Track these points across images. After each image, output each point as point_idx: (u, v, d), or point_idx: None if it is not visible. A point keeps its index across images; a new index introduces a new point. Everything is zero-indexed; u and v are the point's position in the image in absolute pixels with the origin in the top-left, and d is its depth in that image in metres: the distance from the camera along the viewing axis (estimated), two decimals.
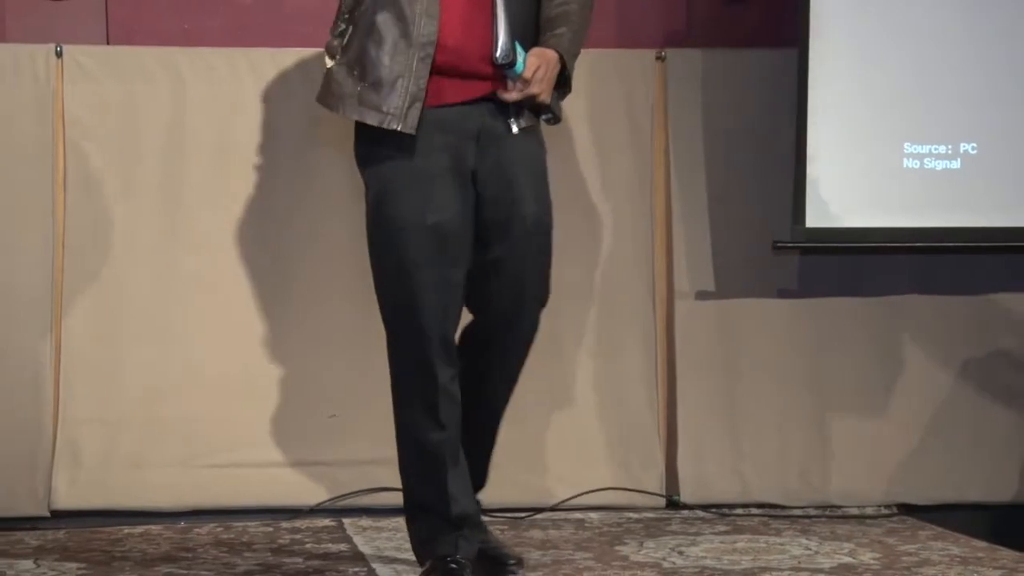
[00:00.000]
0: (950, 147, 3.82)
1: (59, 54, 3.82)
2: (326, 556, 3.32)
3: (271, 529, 3.50)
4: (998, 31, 3.84)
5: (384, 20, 2.93)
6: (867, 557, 3.31)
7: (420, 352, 2.99)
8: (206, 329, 3.87)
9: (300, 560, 3.23)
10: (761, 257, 3.96)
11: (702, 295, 3.99)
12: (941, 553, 3.36)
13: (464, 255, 3.03)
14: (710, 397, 4.01)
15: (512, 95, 2.98)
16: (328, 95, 3.02)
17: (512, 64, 2.94)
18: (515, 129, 3.04)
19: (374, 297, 3.13)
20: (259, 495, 3.57)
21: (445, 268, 3.00)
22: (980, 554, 3.36)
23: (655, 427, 3.99)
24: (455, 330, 3.06)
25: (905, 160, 3.81)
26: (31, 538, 3.53)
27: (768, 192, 3.95)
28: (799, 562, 3.25)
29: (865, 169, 3.82)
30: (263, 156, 3.75)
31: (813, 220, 3.77)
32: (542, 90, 3.00)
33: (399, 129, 2.91)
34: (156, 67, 3.86)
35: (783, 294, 4.02)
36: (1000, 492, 3.99)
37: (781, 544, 3.47)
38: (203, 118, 3.85)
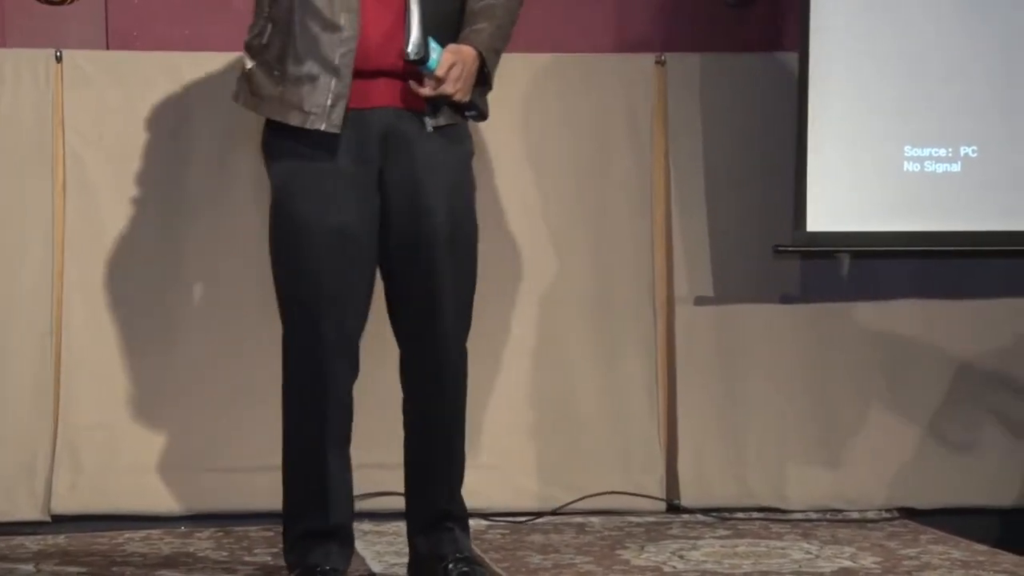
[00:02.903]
0: (950, 150, 3.84)
1: (59, 59, 3.83)
2: None
3: (272, 534, 3.42)
4: (999, 34, 3.85)
5: (304, 17, 2.88)
6: (868, 561, 3.32)
7: (314, 357, 2.96)
8: (206, 333, 3.87)
9: None
10: (762, 262, 3.98)
11: (701, 300, 4.01)
12: (942, 557, 3.38)
13: (367, 260, 2.99)
14: (710, 401, 4.03)
15: (425, 90, 2.91)
16: (248, 96, 2.97)
17: (424, 61, 2.87)
18: (429, 127, 2.96)
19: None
20: (260, 499, 3.54)
21: (346, 271, 2.96)
22: (981, 558, 3.37)
23: (655, 431, 4.01)
24: (358, 336, 3.03)
25: (905, 163, 3.83)
26: (31, 543, 3.54)
27: (768, 197, 3.97)
28: (800, 566, 3.26)
29: (866, 172, 3.84)
30: None
31: (814, 224, 3.79)
32: (457, 89, 2.92)
33: (323, 128, 2.86)
34: (156, 72, 3.86)
35: (784, 299, 4.04)
36: (1001, 496, 4.01)
37: (782, 548, 3.48)
38: (204, 123, 3.85)
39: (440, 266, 3.01)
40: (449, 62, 2.88)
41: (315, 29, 2.88)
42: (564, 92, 4.01)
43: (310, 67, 2.88)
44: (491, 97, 3.68)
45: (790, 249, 3.85)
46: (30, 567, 3.26)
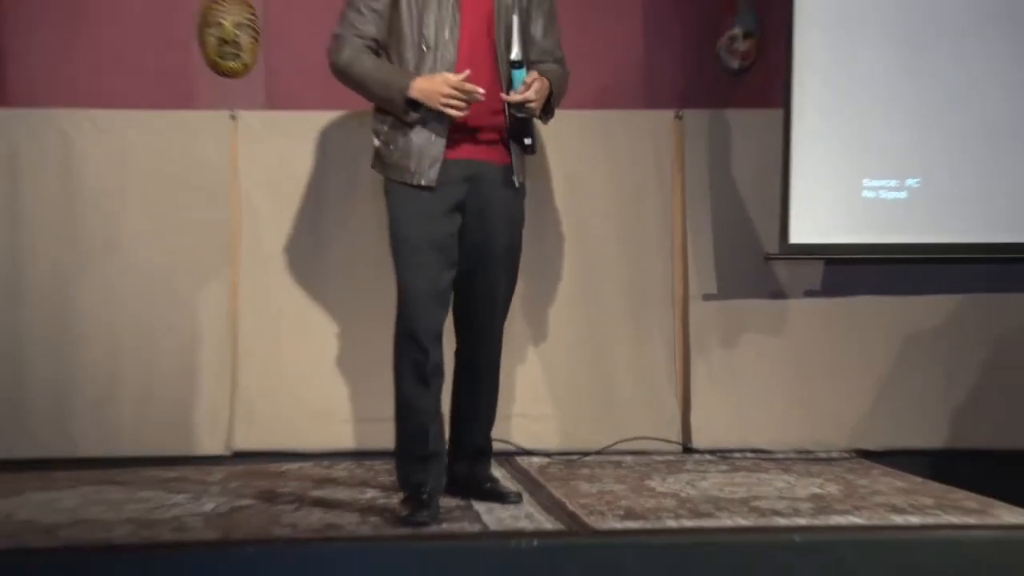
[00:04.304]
0: (898, 182, 3.89)
1: (234, 118, 4.00)
2: None
3: (389, 466, 3.47)
4: (944, 95, 3.89)
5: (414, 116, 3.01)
6: (832, 489, 3.46)
7: (415, 332, 3.03)
8: (344, 323, 4.01)
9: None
10: (757, 269, 4.10)
11: (708, 297, 4.13)
12: (888, 486, 3.50)
13: (451, 262, 3.08)
14: (715, 371, 4.13)
15: (515, 97, 2.99)
16: (379, 165, 3.12)
17: (522, 65, 2.98)
18: (517, 183, 3.12)
19: None
20: (381, 441, 3.54)
21: (437, 272, 3.05)
22: (917, 487, 3.50)
23: (674, 393, 4.14)
24: (443, 320, 3.10)
25: (864, 192, 3.90)
26: (217, 471, 3.75)
27: (760, 219, 4.08)
28: (781, 492, 3.39)
29: (834, 199, 3.89)
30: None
31: (796, 238, 3.88)
32: (536, 99, 3.01)
33: (423, 184, 3.01)
34: (307, 127, 3.98)
35: (773, 296, 4.16)
36: (934, 440, 4.14)
37: (768, 479, 3.60)
38: (338, 166, 3.97)
39: (497, 279, 3.18)
40: (534, 76, 3.03)
41: (424, 123, 3.04)
42: (607, 139, 4.11)
43: (416, 143, 3.05)
44: (553, 146, 4.04)
45: (777, 257, 3.97)
46: (217, 487, 3.48)
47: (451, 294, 3.14)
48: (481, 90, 2.99)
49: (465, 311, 3.22)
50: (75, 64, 4.04)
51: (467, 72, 2.98)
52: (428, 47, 3.03)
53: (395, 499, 3.20)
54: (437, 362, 3.10)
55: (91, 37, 4.04)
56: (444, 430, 3.17)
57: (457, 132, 3.05)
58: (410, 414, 3.11)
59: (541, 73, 3.10)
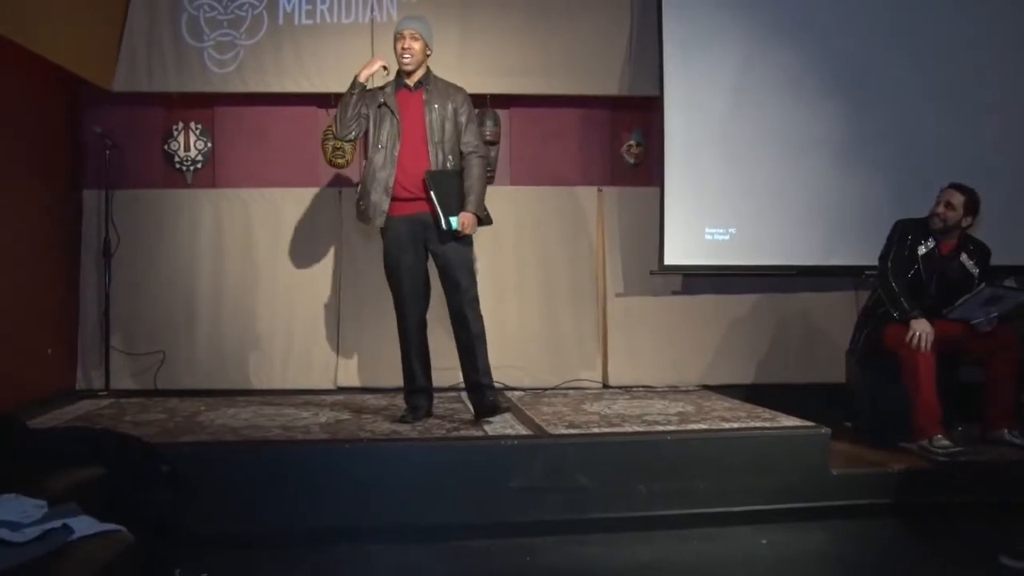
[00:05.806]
0: (724, 230, 3.96)
1: (340, 194, 3.96)
2: (453, 412, 3.28)
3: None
4: (749, 179, 3.88)
5: (370, 183, 2.95)
6: (689, 408, 3.44)
7: (407, 319, 3.03)
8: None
9: (451, 419, 3.17)
10: (644, 279, 4.06)
11: (619, 294, 4.12)
12: (720, 406, 3.49)
13: (421, 278, 3.01)
14: (622, 339, 4.10)
15: (460, 233, 2.96)
16: (358, 215, 3.02)
17: (450, 227, 2.93)
18: (445, 227, 2.98)
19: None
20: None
21: (413, 283, 3.00)
22: (737, 406, 3.50)
23: (599, 352, 4.09)
24: (425, 309, 3.06)
25: (706, 235, 3.96)
26: (328, 398, 3.71)
27: (646, 250, 4.04)
28: (659, 410, 3.36)
29: (689, 240, 3.95)
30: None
31: (668, 260, 3.94)
32: (469, 232, 2.96)
33: (377, 224, 2.95)
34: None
35: (655, 294, 4.13)
36: (747, 378, 4.13)
37: (652, 403, 3.58)
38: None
39: (460, 276, 3.01)
40: (462, 222, 2.94)
41: (375, 186, 2.96)
42: (559, 203, 4.09)
43: (372, 202, 2.97)
44: (528, 207, 4.00)
45: (657, 272, 4.00)
46: (327, 408, 3.41)
47: (425, 293, 3.05)
48: (382, 62, 2.97)
49: (449, 300, 3.08)
50: (253, 161, 4.01)
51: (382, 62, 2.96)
52: (383, 146, 2.99)
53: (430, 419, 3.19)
54: (419, 331, 3.06)
55: (263, 145, 4.01)
56: (430, 375, 3.12)
57: (401, 197, 2.97)
58: (408, 368, 3.12)
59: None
